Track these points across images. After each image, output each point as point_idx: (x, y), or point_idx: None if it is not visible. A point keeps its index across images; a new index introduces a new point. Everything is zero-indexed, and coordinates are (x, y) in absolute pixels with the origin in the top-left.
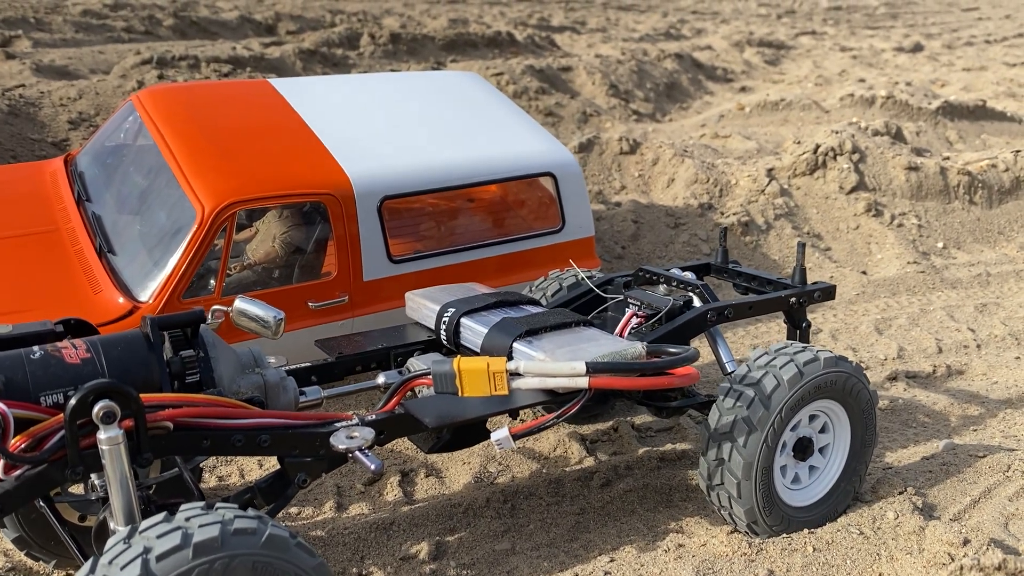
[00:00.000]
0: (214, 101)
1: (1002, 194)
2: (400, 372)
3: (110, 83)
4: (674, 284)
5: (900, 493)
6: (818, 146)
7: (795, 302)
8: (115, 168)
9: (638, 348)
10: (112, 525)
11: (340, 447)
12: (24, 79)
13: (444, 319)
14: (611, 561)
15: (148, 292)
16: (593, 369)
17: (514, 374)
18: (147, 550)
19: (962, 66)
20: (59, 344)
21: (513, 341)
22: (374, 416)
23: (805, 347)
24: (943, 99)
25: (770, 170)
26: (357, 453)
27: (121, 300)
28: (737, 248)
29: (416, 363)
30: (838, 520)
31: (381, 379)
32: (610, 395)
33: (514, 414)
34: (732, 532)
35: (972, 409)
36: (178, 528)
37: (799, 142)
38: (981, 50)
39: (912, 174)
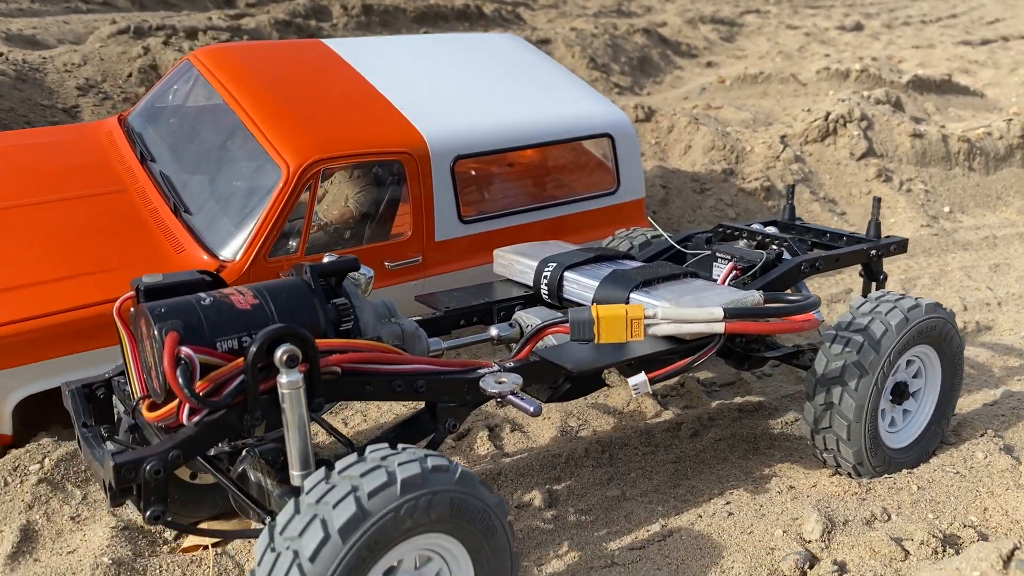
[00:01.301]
0: (275, 60)
1: (998, 161)
2: (511, 325)
3: (114, 50)
4: (757, 238)
5: (981, 435)
6: (828, 113)
7: (875, 254)
8: (179, 128)
9: (756, 296)
10: (290, 468)
11: (491, 391)
12: None
13: (545, 274)
14: (727, 503)
15: (233, 251)
16: (729, 315)
17: (649, 321)
18: (355, 488)
19: (909, 44)
20: (225, 291)
21: (630, 292)
22: (511, 363)
23: (904, 295)
24: (912, 73)
25: (783, 137)
26: (511, 397)
27: (206, 259)
28: (761, 212)
29: (525, 316)
30: (931, 462)
31: (494, 331)
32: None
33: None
34: (833, 475)
35: (1012, 360)
36: (379, 467)
37: (809, 110)
38: (918, 30)
39: (917, 141)
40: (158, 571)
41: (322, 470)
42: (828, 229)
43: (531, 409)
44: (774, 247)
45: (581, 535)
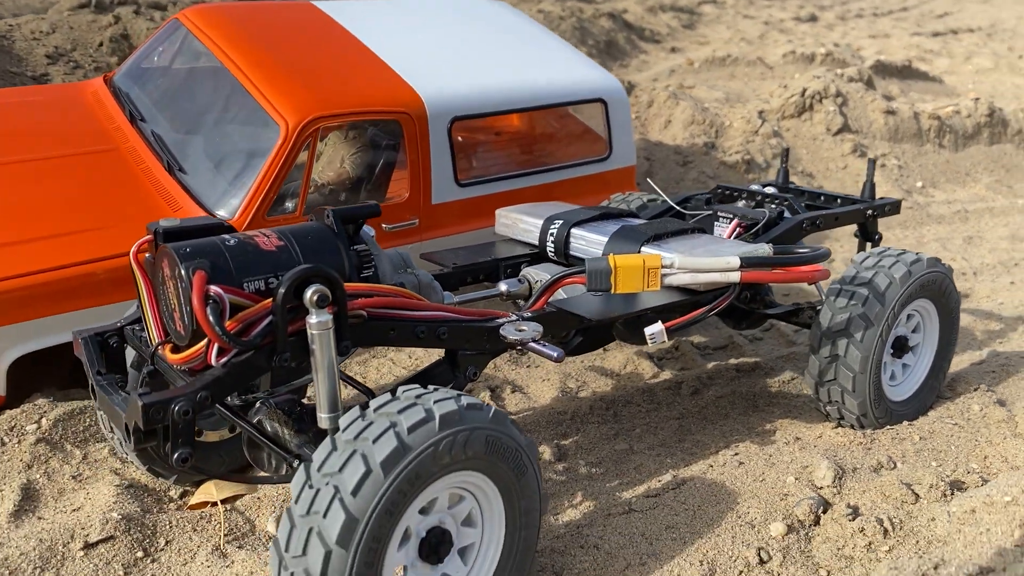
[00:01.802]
0: (266, 21)
1: (966, 139)
2: (519, 281)
3: (83, 18)
4: (757, 199)
5: (975, 390)
6: (805, 89)
7: (871, 214)
8: (170, 87)
9: (766, 248)
10: (318, 412)
11: (512, 338)
12: None
13: (551, 231)
14: (735, 455)
15: (232, 209)
16: (745, 263)
17: (666, 271)
18: (394, 424)
19: (865, 34)
20: (249, 232)
21: (641, 246)
22: (529, 313)
23: (905, 250)
24: (874, 59)
25: (761, 112)
26: (533, 344)
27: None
28: (741, 184)
29: (533, 272)
30: (930, 414)
31: (503, 287)
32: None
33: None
34: (836, 427)
35: (992, 324)
36: (415, 404)
37: (786, 86)
38: (871, 22)
39: (890, 118)
40: (168, 527)
41: (356, 408)
42: (822, 191)
43: (554, 355)
44: (773, 206)
45: (594, 486)
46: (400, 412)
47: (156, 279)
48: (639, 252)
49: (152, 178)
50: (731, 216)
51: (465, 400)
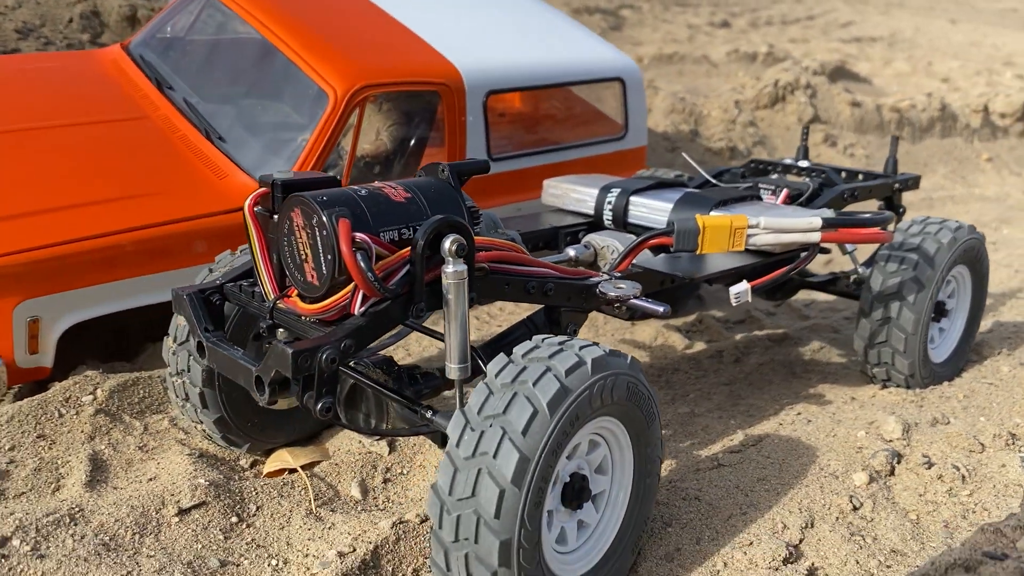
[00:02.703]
0: None
1: (921, 131)
2: (585, 247)
3: None
4: (793, 172)
5: (999, 353)
6: (777, 81)
7: (898, 187)
8: (197, 54)
9: (828, 213)
10: (447, 363)
11: (612, 294)
12: None
13: (609, 200)
14: (799, 414)
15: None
16: (826, 224)
17: (751, 231)
18: (550, 367)
19: (784, 39)
20: (376, 184)
21: (710, 211)
22: (618, 273)
23: (945, 219)
24: (812, 57)
25: (736, 102)
26: (636, 300)
27: (254, 186)
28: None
29: (598, 238)
30: (964, 375)
31: (571, 252)
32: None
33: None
34: (882, 388)
35: None
36: (562, 349)
37: (758, 78)
38: (781, 29)
39: (856, 110)
40: (254, 493)
41: (502, 356)
42: (843, 168)
43: (660, 310)
44: (808, 179)
45: (669, 445)
46: (551, 357)
47: (279, 231)
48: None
49: (191, 146)
50: (772, 188)
51: (607, 347)
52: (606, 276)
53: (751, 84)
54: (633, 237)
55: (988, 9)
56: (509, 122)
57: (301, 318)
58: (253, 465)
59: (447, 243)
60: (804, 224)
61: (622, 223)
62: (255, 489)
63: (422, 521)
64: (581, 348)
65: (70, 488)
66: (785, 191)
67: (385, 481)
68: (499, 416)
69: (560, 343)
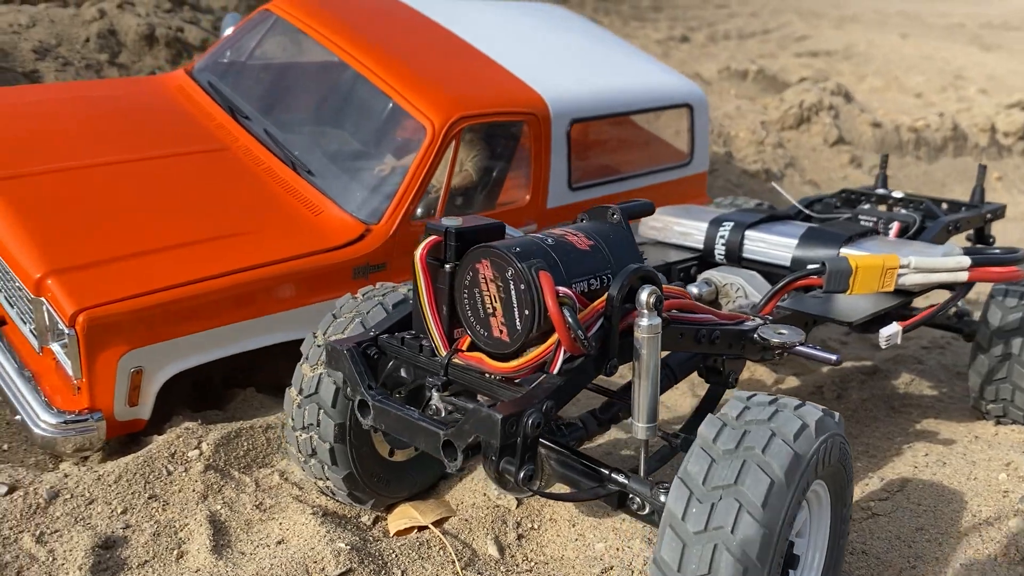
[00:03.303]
0: (364, 13)
1: (936, 151)
2: (707, 283)
3: (64, 12)
4: (888, 203)
5: None
6: (802, 102)
7: (990, 217)
8: (273, 82)
9: (959, 250)
10: (634, 421)
11: (775, 341)
12: None
13: (722, 234)
14: (926, 455)
15: (378, 213)
16: (975, 262)
17: (901, 271)
18: (775, 433)
19: (754, 54)
20: (556, 231)
21: (840, 248)
22: (769, 316)
23: None
24: (797, 75)
25: (762, 123)
26: (803, 348)
27: (352, 222)
28: (763, 193)
29: (719, 275)
30: None
31: (693, 290)
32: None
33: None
34: (995, 424)
35: None
36: (779, 410)
37: (783, 98)
38: (739, 43)
39: (876, 130)
40: (394, 556)
41: (714, 418)
42: (925, 197)
43: (833, 359)
44: (903, 211)
45: None
46: (770, 420)
47: (457, 282)
48: (839, 253)
49: (278, 180)
50: (874, 219)
51: (818, 406)
52: (759, 321)
53: (774, 105)
54: (752, 273)
55: (937, 24)
56: (586, 150)
57: (485, 375)
58: (375, 522)
59: (644, 295)
60: (953, 264)
61: (736, 258)
62: (393, 551)
63: None
64: (796, 409)
65: (195, 555)
66: (897, 224)
67: (519, 537)
68: (731, 487)
69: (770, 402)
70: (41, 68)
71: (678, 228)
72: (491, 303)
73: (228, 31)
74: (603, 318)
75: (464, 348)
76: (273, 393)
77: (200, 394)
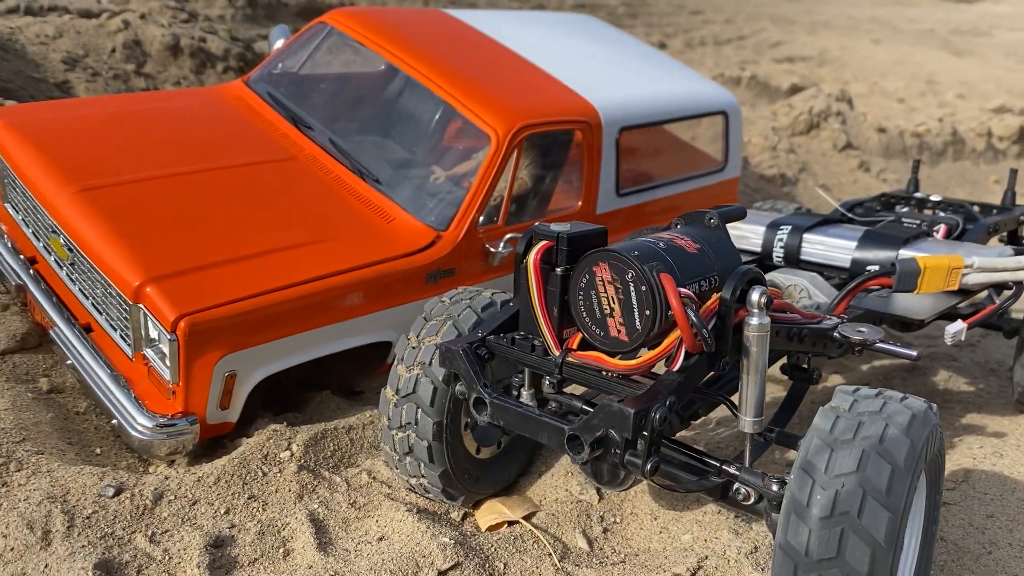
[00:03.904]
0: (420, 27)
1: (937, 155)
2: (770, 285)
3: (88, 22)
4: (928, 206)
5: None
6: (812, 108)
7: (1022, 219)
8: (333, 92)
9: (1010, 251)
10: (741, 415)
11: (856, 338)
12: None
13: (780, 238)
14: (981, 447)
15: (446, 220)
16: None
17: (965, 271)
18: (889, 424)
19: (735, 60)
20: (665, 235)
21: (899, 249)
22: (843, 316)
23: None
24: (789, 82)
25: (773, 129)
26: (884, 344)
27: (423, 229)
28: (780, 197)
29: (781, 277)
30: None
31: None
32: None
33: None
34: None
35: None
36: (887, 402)
37: (791, 105)
38: (715, 50)
39: (882, 135)
40: (493, 550)
41: (829, 409)
42: (955, 200)
43: (914, 354)
44: (941, 213)
45: None
46: (881, 411)
47: (572, 285)
48: (897, 255)
49: (348, 188)
50: (918, 222)
51: (922, 399)
52: (836, 319)
53: (783, 111)
54: (813, 275)
55: (907, 30)
56: (631, 157)
57: (601, 373)
58: (464, 518)
59: (755, 296)
60: (1014, 264)
61: (794, 260)
62: (491, 545)
63: (692, 574)
64: (902, 400)
65: (302, 553)
66: (943, 226)
67: (604, 531)
68: (853, 474)
69: (877, 395)
70: (71, 78)
71: (735, 232)
72: (608, 304)
73: (278, 43)
74: (716, 317)
75: (575, 347)
76: (345, 396)
77: (272, 399)
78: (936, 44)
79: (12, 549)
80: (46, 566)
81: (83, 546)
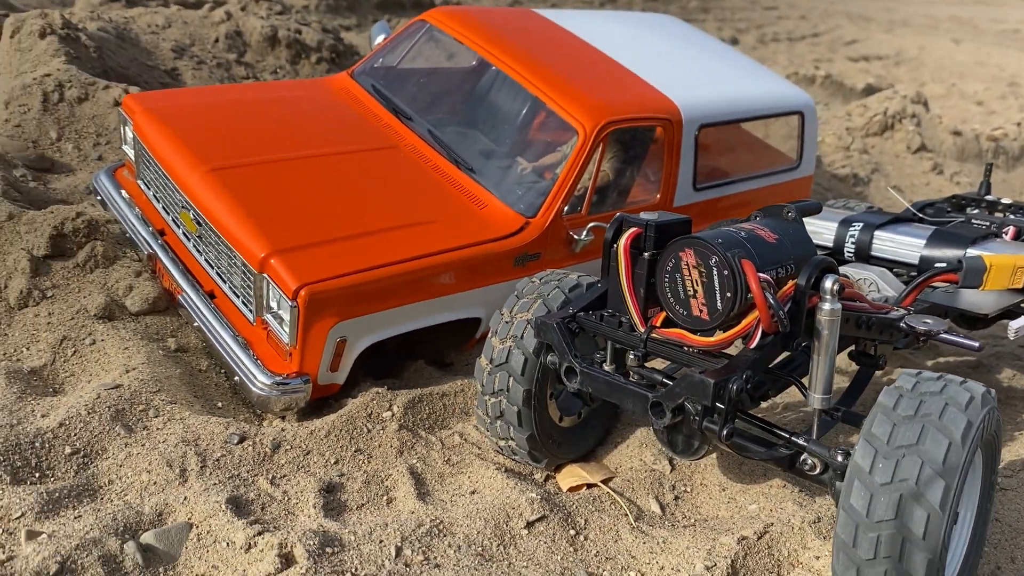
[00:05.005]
0: (511, 26)
1: (1013, 159)
2: None
3: (194, 13)
4: (999, 208)
5: None
6: (886, 109)
7: None
8: (432, 86)
9: None
10: (811, 393)
11: (921, 328)
12: None
13: (852, 234)
14: None
15: (535, 208)
16: None
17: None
18: (949, 403)
19: (809, 58)
20: (746, 225)
21: (967, 248)
22: (909, 308)
23: None
24: (864, 82)
25: (847, 129)
26: (947, 335)
27: (513, 215)
28: (852, 196)
29: (853, 271)
30: None
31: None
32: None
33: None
34: None
35: None
36: (947, 384)
37: (865, 105)
38: (789, 46)
39: (957, 139)
40: (576, 507)
41: (892, 389)
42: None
43: (976, 345)
44: (1011, 216)
45: None
46: (941, 392)
47: (659, 268)
48: (963, 254)
49: (445, 176)
50: (987, 224)
51: (981, 384)
52: (903, 311)
53: (858, 112)
54: (882, 270)
55: (989, 30)
56: (708, 153)
57: (684, 349)
58: (546, 480)
59: (828, 283)
60: None
61: (865, 256)
62: (573, 503)
63: (759, 537)
64: (962, 384)
65: (404, 501)
66: (1012, 228)
67: (676, 498)
68: (913, 446)
69: (938, 378)
70: (179, 66)
71: (808, 227)
72: (692, 286)
73: (379, 39)
74: (792, 302)
75: (658, 325)
76: (437, 367)
77: (371, 367)
78: (1020, 45)
79: (155, 483)
80: (185, 499)
81: (215, 484)
